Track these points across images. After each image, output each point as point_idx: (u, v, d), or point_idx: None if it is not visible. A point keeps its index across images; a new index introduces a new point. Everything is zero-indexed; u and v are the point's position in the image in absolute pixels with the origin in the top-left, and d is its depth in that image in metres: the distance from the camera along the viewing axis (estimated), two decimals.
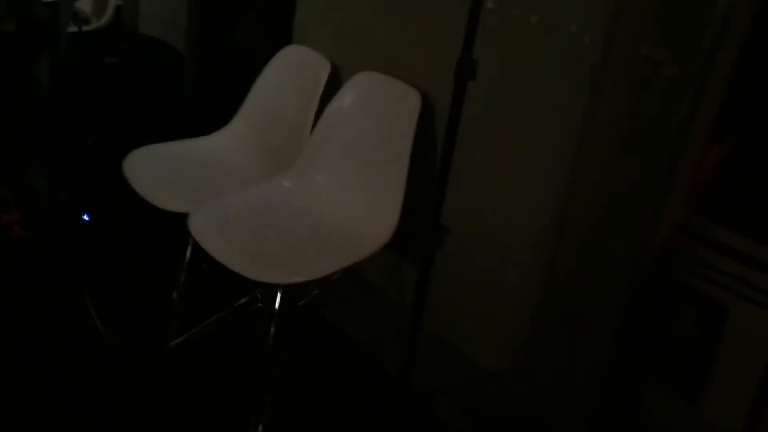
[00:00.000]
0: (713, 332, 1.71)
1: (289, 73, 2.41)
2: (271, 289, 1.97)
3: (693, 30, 1.47)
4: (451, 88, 1.46)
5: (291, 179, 2.11)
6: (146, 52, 3.04)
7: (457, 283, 2.03)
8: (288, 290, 1.93)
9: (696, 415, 1.76)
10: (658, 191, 1.63)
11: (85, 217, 2.55)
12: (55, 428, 1.84)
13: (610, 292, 1.73)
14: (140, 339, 2.17)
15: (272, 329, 1.92)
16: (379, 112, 2.07)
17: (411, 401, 1.96)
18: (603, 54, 1.62)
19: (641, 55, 1.54)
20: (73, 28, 2.57)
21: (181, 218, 1.89)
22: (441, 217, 1.57)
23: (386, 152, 2.00)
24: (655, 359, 1.82)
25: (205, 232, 1.86)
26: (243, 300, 2.24)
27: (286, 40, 2.52)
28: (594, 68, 1.64)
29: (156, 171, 2.17)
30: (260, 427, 1.90)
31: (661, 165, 1.60)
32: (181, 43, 3.09)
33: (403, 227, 1.93)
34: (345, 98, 2.13)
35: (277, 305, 1.90)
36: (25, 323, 2.20)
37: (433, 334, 2.01)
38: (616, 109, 1.63)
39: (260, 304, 2.11)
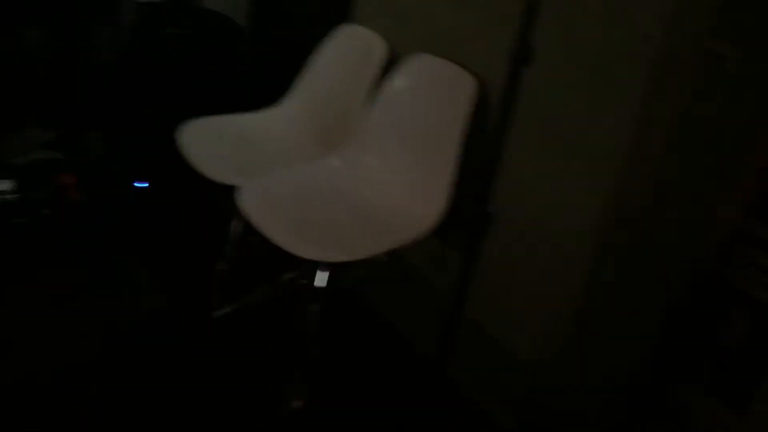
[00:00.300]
0: (765, 338, 1.66)
1: (344, 52, 2.40)
2: (314, 267, 1.98)
3: (761, 25, 1.41)
4: (506, 74, 1.43)
5: (341, 159, 2.11)
6: (207, 25, 3.08)
7: (500, 271, 2.01)
8: (331, 269, 1.94)
9: (741, 422, 1.71)
10: (716, 191, 1.58)
11: (142, 185, 2.60)
12: (100, 383, 1.91)
13: (658, 291, 1.69)
14: (184, 307, 2.22)
15: (314, 307, 1.94)
16: (432, 95, 2.05)
17: (446, 387, 1.96)
18: (665, 46, 1.57)
19: (706, 49, 1.49)
20: None
21: (231, 191, 1.92)
22: (488, 205, 1.55)
23: (438, 136, 1.98)
24: (701, 363, 1.78)
25: (252, 205, 1.87)
26: (287, 276, 2.26)
27: (343, 18, 2.52)
28: (656, 61, 1.59)
29: (208, 143, 2.19)
30: (295, 403, 1.92)
31: (721, 164, 1.55)
32: (242, 19, 3.11)
33: (450, 212, 1.92)
34: (399, 80, 2.11)
35: (319, 283, 1.91)
36: (76, 284, 2.27)
37: (473, 320, 2.00)
38: (677, 105, 1.58)
39: (303, 281, 2.13)
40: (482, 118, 1.97)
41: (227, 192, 1.94)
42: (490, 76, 1.93)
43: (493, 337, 2.05)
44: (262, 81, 2.91)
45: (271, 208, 1.89)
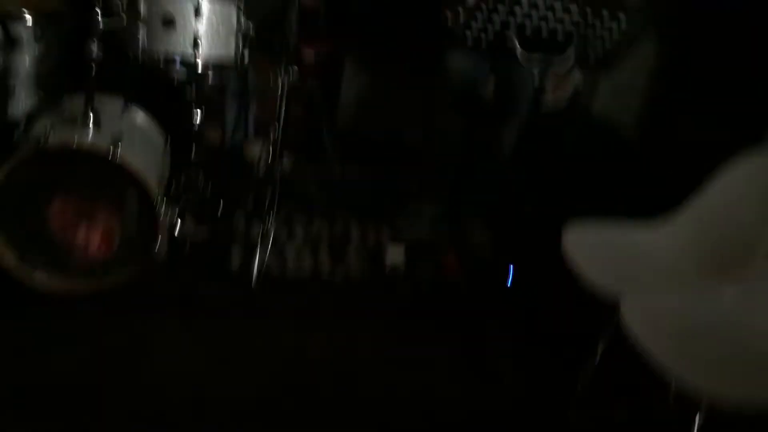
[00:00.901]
0: None
1: (754, 181, 2.25)
2: (690, 401, 1.84)
3: None
4: None
5: (738, 290, 1.96)
6: (597, 134, 3.16)
7: None
8: (710, 409, 1.78)
9: None
10: None
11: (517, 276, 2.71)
12: None
13: None
14: (539, 399, 2.25)
15: None
16: None
17: None
18: None
19: None
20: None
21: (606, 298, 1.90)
22: None
23: None
24: None
25: (635, 320, 1.82)
26: (655, 399, 2.14)
27: (754, 143, 2.38)
28: None
29: (592, 247, 2.20)
30: None
31: None
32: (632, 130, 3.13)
33: None
34: None
35: (696, 421, 1.77)
36: (435, 354, 2.44)
37: None
38: None
39: (671, 409, 2.00)
40: None
41: (604, 300, 1.92)
42: None
43: None
44: (648, 192, 2.87)
45: (656, 327, 1.82)
